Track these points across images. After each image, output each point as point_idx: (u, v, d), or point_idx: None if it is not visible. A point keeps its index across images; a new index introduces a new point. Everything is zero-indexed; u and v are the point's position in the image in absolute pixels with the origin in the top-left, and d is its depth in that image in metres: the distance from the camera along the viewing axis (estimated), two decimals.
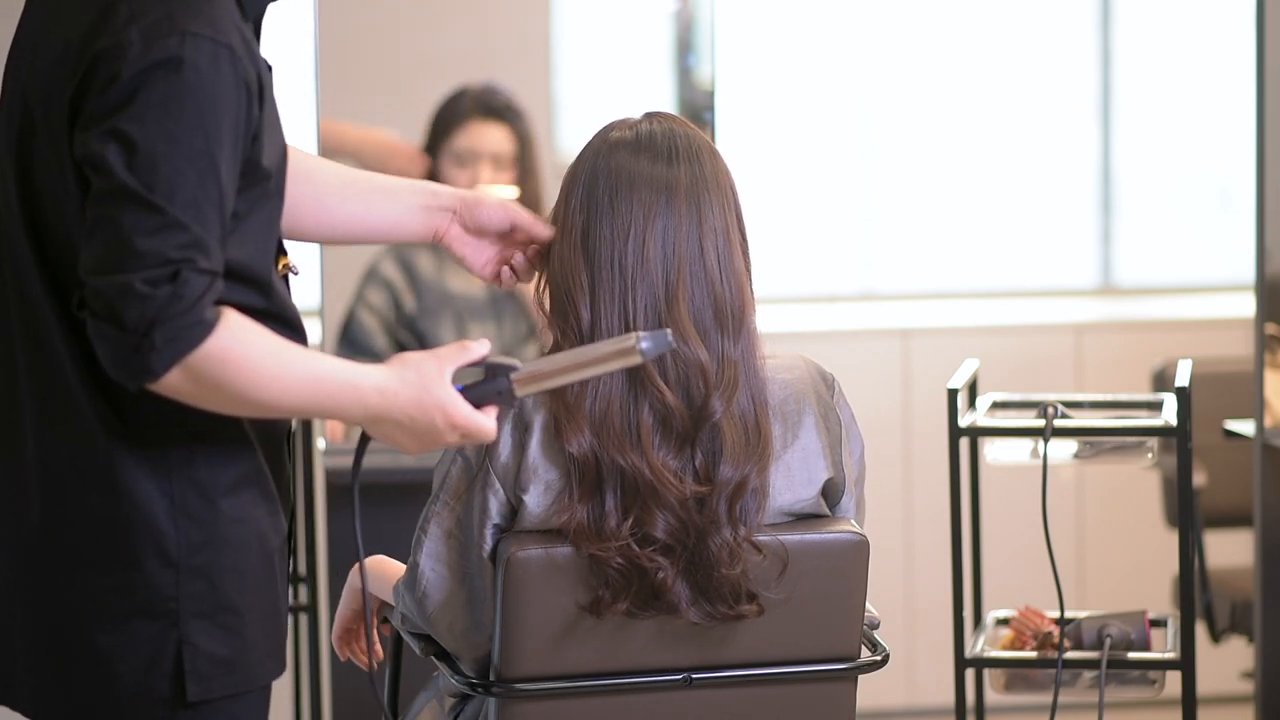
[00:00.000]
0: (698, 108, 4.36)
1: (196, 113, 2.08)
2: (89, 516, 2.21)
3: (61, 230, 2.17)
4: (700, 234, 2.45)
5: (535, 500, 2.44)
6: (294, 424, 2.41)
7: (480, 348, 2.25)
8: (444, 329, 4.34)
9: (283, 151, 2.26)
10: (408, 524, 2.55)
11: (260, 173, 2.19)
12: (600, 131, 2.52)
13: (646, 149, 2.47)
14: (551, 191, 4.33)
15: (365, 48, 4.32)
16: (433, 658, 2.58)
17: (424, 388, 2.19)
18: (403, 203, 2.55)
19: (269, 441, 2.30)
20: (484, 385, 2.24)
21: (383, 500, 3.79)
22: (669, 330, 2.28)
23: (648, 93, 4.45)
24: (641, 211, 2.44)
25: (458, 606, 2.49)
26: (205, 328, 2.08)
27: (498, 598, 2.44)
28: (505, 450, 2.45)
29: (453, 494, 2.48)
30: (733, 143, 5.49)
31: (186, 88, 2.08)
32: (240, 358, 2.10)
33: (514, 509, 2.46)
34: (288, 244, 2.37)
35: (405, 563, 2.56)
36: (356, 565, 2.74)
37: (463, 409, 2.21)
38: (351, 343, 4.24)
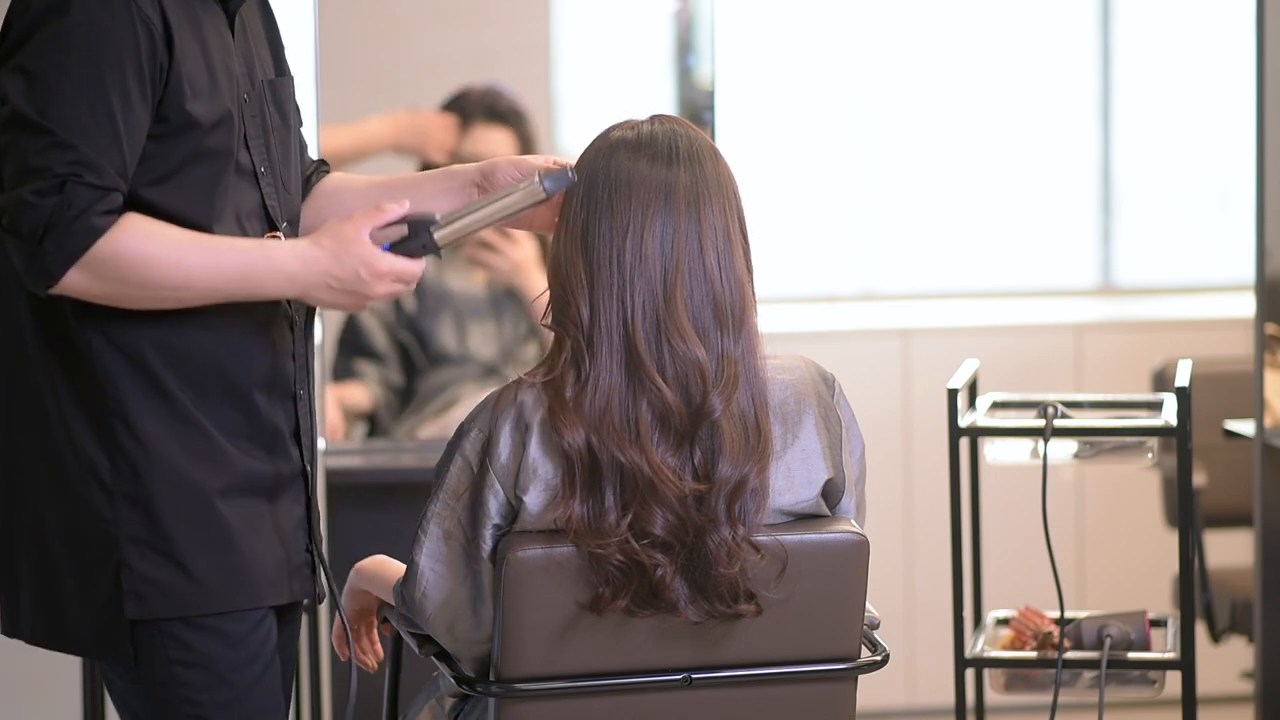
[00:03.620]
0: (698, 108, 4.36)
1: (85, 48, 2.30)
2: (38, 448, 2.42)
3: None
4: (700, 234, 2.45)
5: (535, 500, 2.44)
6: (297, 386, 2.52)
7: (398, 208, 2.41)
8: (444, 328, 4.34)
9: (228, 117, 2.41)
10: (408, 524, 2.55)
11: (188, 120, 2.37)
12: (604, 131, 2.52)
13: (647, 149, 2.47)
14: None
15: (365, 48, 4.32)
16: (433, 658, 2.58)
17: (342, 247, 2.38)
18: (425, 191, 2.66)
19: (234, 391, 2.45)
20: (408, 242, 2.40)
21: (383, 500, 3.79)
22: (570, 168, 2.44)
23: (648, 93, 4.45)
24: (640, 210, 2.45)
25: (458, 607, 2.49)
26: (95, 232, 2.29)
27: (498, 598, 2.44)
28: (505, 451, 2.45)
29: (452, 494, 2.49)
30: (733, 143, 5.49)
31: (75, 26, 2.31)
32: (135, 251, 2.31)
33: (514, 509, 2.46)
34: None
35: (405, 562, 2.56)
36: (356, 566, 2.75)
37: (384, 259, 2.39)
38: (352, 342, 4.24)
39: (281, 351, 2.50)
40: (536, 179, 2.44)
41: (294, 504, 2.52)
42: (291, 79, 2.58)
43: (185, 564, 2.41)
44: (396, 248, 2.41)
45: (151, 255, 2.32)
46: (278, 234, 2.49)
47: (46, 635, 2.47)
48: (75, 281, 2.31)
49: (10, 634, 2.51)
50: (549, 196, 2.45)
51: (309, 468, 2.55)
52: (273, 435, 2.49)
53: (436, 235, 2.42)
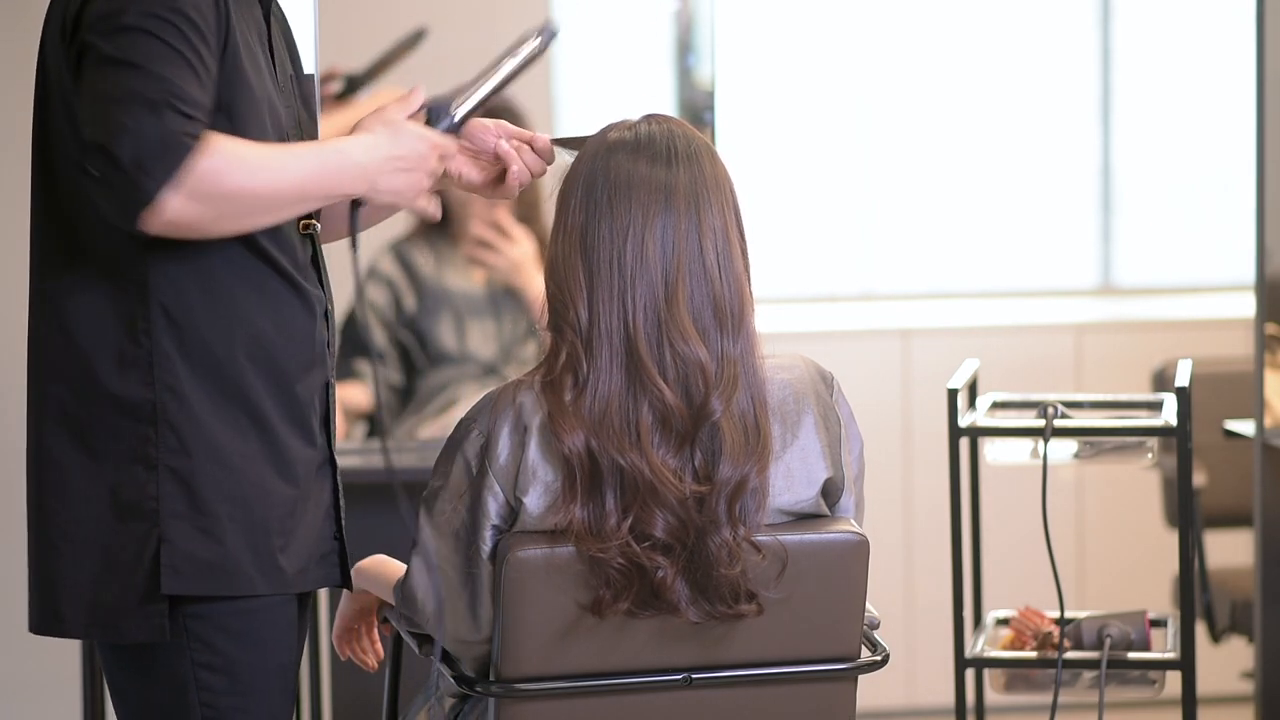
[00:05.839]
0: (698, 108, 4.36)
1: (164, 6, 2.32)
2: (76, 423, 2.42)
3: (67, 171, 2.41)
4: (699, 234, 2.45)
5: (535, 502, 2.44)
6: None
7: (416, 98, 2.49)
8: (444, 327, 4.34)
9: (270, 107, 2.45)
10: (407, 524, 2.55)
11: (235, 97, 2.39)
12: (599, 132, 2.52)
13: (645, 150, 2.47)
14: (551, 191, 4.33)
15: (365, 48, 4.32)
16: (433, 658, 2.58)
17: (393, 129, 2.44)
18: None
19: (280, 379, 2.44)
20: (432, 126, 2.50)
21: (383, 500, 3.79)
22: (552, 22, 2.55)
23: (648, 93, 4.44)
24: (641, 211, 2.45)
25: (458, 607, 2.49)
26: (187, 149, 2.27)
27: (497, 598, 2.44)
28: (504, 452, 2.45)
29: (453, 495, 2.49)
30: (733, 143, 5.49)
31: None
32: (226, 163, 2.29)
33: (513, 510, 2.46)
34: None
35: (405, 562, 2.56)
36: (355, 566, 2.75)
37: (433, 131, 2.47)
38: (352, 342, 4.24)
39: (318, 337, 2.50)
40: (532, 37, 2.56)
41: (323, 491, 2.51)
42: (313, 78, 2.60)
43: (226, 543, 2.40)
44: None
45: (242, 161, 2.30)
46: (313, 222, 2.50)
47: (70, 625, 2.44)
48: (172, 204, 2.27)
49: (42, 631, 2.48)
50: (543, 50, 2.56)
51: (334, 455, 2.56)
52: (311, 421, 2.49)
53: (455, 112, 2.52)
